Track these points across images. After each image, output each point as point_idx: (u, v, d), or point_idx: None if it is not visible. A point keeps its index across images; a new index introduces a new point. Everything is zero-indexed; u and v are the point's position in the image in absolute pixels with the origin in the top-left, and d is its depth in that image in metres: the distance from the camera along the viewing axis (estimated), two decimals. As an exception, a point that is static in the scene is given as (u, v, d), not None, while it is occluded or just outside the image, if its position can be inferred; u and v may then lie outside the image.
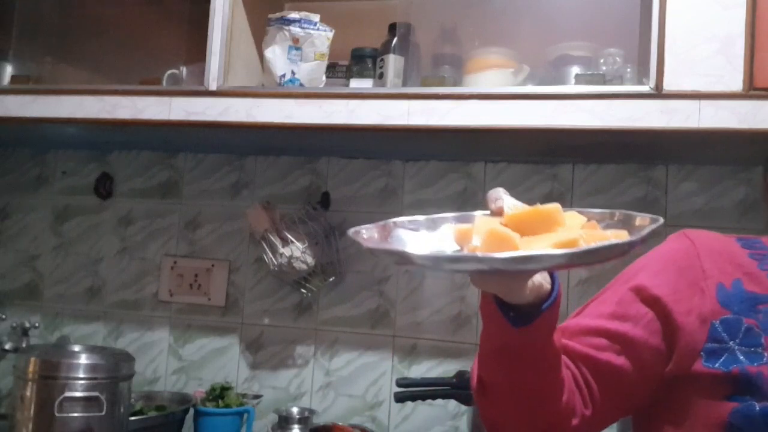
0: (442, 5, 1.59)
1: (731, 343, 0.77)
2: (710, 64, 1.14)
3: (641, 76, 1.25)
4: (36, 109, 1.49)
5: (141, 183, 1.86)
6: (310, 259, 1.56)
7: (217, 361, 1.75)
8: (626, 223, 0.64)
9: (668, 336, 0.79)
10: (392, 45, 1.43)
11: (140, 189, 1.86)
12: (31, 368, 1.34)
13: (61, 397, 1.31)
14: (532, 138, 1.32)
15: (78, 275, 1.88)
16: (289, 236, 1.55)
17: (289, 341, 1.71)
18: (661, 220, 0.60)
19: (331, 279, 1.64)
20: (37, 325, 1.78)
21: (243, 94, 1.38)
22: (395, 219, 0.70)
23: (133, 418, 1.45)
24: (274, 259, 1.56)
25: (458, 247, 0.64)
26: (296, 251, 1.55)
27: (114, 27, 1.79)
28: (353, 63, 1.50)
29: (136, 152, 1.87)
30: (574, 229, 0.60)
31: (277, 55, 1.42)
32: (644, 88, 1.18)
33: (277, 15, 1.44)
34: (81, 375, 1.34)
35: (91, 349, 1.45)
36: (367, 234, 0.65)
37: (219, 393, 1.59)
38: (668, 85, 1.16)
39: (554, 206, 0.61)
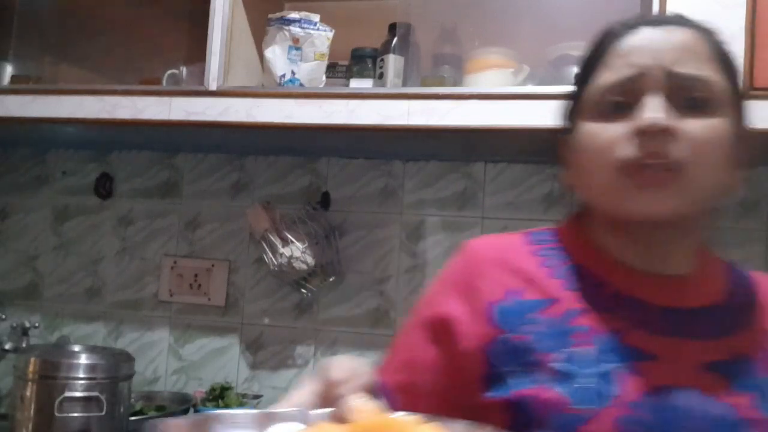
0: (442, 5, 1.59)
1: (505, 366, 0.68)
2: (710, 64, 1.14)
3: (641, 76, 1.25)
4: (36, 109, 1.49)
5: (141, 183, 1.86)
6: (310, 259, 1.56)
7: (217, 361, 1.75)
8: None
9: (455, 370, 0.72)
10: (392, 45, 1.43)
11: (140, 189, 1.86)
12: (31, 368, 1.34)
13: (61, 397, 1.31)
14: (532, 138, 1.32)
15: (78, 275, 1.88)
16: (289, 236, 1.55)
17: (289, 341, 1.71)
18: None
19: (331, 279, 1.64)
20: (37, 325, 1.78)
21: (243, 94, 1.38)
22: (217, 412, 0.62)
23: (133, 418, 1.45)
24: (274, 259, 1.56)
25: None
26: (296, 251, 1.55)
27: (114, 27, 1.79)
28: (353, 63, 1.50)
29: (136, 152, 1.87)
30: None
31: (277, 55, 1.42)
32: (644, 88, 1.18)
33: (277, 15, 1.44)
34: (81, 375, 1.34)
35: (91, 349, 1.45)
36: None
37: (219, 393, 1.59)
38: (668, 85, 1.16)
39: (412, 420, 0.53)
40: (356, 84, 1.46)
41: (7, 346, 1.72)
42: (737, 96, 0.71)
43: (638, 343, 0.67)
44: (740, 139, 0.70)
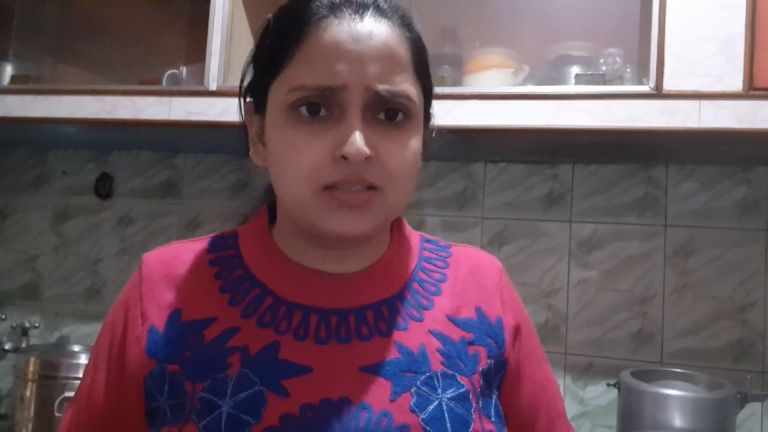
0: (442, 5, 1.59)
1: (160, 401, 0.63)
2: (710, 64, 1.14)
3: (641, 76, 1.25)
4: (36, 109, 1.49)
5: (141, 183, 1.86)
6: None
7: (217, 361, 1.75)
8: None
9: (121, 402, 0.67)
10: (392, 45, 1.42)
11: (140, 189, 1.86)
12: (31, 368, 1.34)
13: (61, 397, 1.31)
14: (532, 138, 1.32)
15: (78, 275, 1.88)
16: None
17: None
18: None
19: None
20: (37, 325, 1.78)
21: (243, 94, 1.38)
22: None
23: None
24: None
25: None
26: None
27: (114, 27, 1.79)
28: (353, 63, 1.49)
29: (136, 152, 1.87)
30: None
31: (277, 55, 1.42)
32: (644, 88, 1.18)
33: (277, 15, 1.44)
34: (81, 375, 1.33)
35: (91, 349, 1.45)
36: None
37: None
38: (668, 85, 1.16)
39: None
40: (356, 84, 1.45)
41: (7, 346, 1.73)
42: (428, 97, 0.70)
43: (294, 356, 0.62)
44: (425, 142, 0.70)
